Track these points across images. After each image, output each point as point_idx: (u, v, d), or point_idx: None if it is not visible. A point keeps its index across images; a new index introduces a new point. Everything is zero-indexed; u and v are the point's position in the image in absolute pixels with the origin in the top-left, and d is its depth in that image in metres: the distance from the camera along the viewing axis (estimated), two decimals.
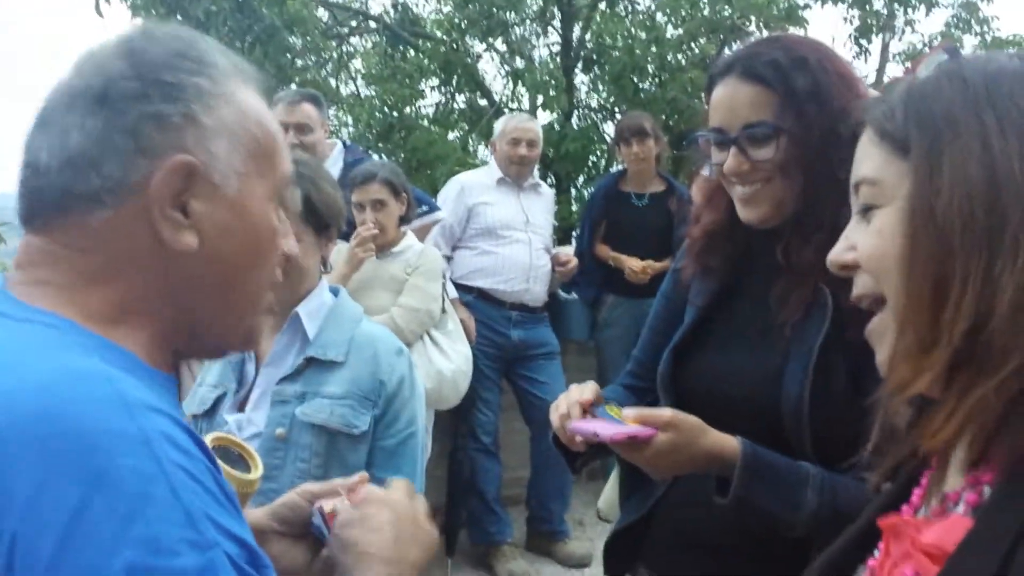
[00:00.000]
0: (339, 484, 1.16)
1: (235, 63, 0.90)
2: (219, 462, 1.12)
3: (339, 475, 1.78)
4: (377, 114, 8.00)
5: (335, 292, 1.98)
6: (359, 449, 1.82)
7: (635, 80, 7.43)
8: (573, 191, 8.03)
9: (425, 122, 8.33)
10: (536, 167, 4.73)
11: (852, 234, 0.86)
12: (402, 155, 7.49)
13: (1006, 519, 0.69)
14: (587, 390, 1.47)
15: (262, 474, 1.24)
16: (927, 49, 9.66)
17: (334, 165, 3.87)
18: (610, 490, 4.46)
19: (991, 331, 0.70)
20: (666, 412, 1.33)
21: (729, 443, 1.34)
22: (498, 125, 4.41)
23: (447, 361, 3.51)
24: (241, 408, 1.89)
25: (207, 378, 1.96)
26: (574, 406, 1.43)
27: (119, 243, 0.81)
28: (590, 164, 7.79)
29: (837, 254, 0.87)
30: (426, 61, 7.99)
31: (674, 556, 1.60)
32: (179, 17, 6.74)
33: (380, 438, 1.84)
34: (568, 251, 4.50)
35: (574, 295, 4.57)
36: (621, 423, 1.34)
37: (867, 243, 0.82)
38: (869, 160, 0.83)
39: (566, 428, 1.41)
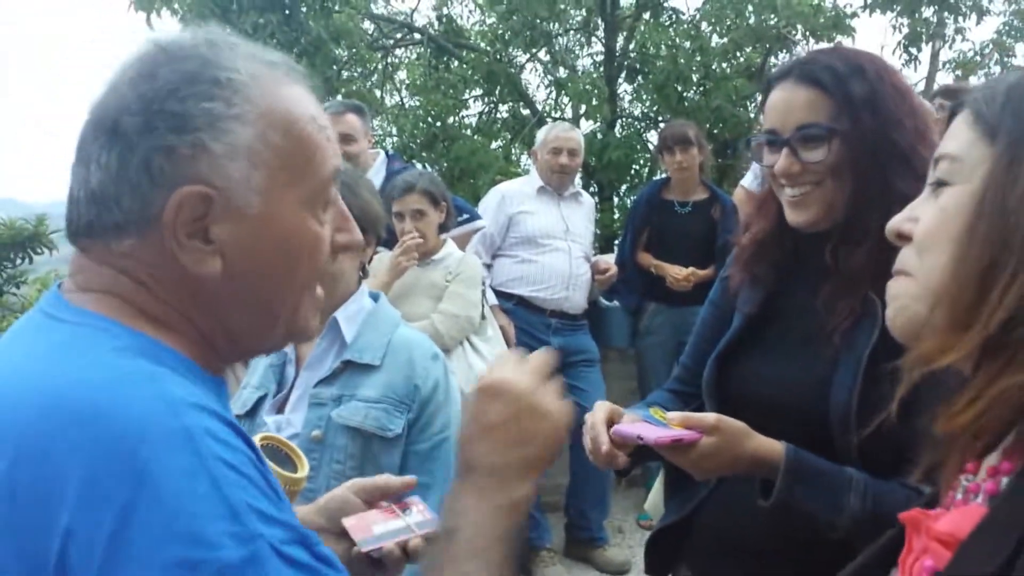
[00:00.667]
0: (385, 479, 1.20)
1: (266, 64, 0.87)
2: (267, 460, 1.16)
3: (373, 476, 1.83)
4: (421, 124, 8.10)
5: (375, 298, 2.01)
6: (393, 452, 1.84)
7: (679, 89, 7.43)
8: (616, 199, 8.04)
9: (468, 132, 8.40)
10: (578, 176, 4.73)
11: (918, 206, 0.86)
12: (445, 164, 7.57)
13: (1020, 508, 0.69)
14: (600, 412, 1.47)
15: (308, 473, 1.26)
16: (978, 57, 9.51)
17: (377, 175, 3.93)
18: (655, 493, 4.43)
19: None
20: (711, 416, 1.35)
21: (773, 447, 1.35)
22: (540, 134, 4.43)
23: (486, 367, 3.52)
24: (280, 410, 1.93)
25: (251, 380, 2.01)
26: (596, 430, 1.43)
27: (147, 266, 0.83)
28: (633, 172, 7.79)
29: (898, 222, 0.87)
30: (470, 72, 8.07)
31: (716, 558, 1.61)
32: (227, 30, 6.88)
33: (414, 442, 1.86)
34: (608, 259, 4.49)
35: (615, 302, 4.56)
36: (666, 426, 1.36)
37: (929, 217, 0.82)
38: (956, 138, 0.83)
39: (611, 434, 1.40)
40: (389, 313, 1.99)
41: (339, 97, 7.44)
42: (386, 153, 4.14)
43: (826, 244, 1.45)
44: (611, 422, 1.46)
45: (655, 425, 1.38)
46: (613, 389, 4.40)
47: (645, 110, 8.31)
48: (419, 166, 8.19)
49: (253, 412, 1.95)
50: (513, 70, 8.22)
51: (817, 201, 1.43)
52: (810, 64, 1.43)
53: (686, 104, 7.37)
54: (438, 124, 8.00)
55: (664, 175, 4.69)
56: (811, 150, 1.41)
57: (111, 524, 0.67)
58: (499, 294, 4.08)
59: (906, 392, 1.35)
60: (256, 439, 1.23)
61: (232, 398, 2.03)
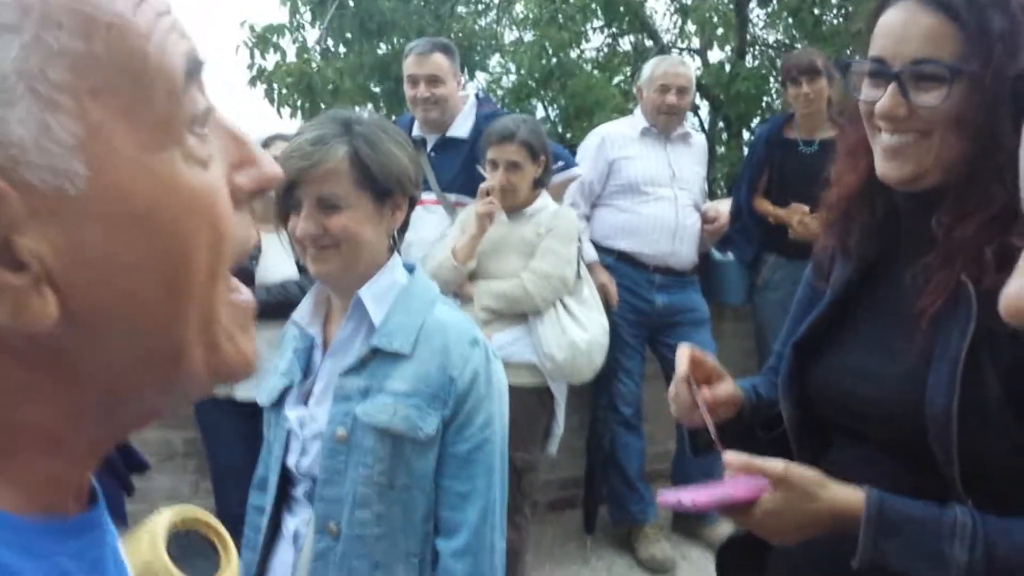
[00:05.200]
0: None
1: None
2: (169, 568, 0.87)
3: (405, 482, 1.61)
4: (539, 60, 7.73)
5: (411, 269, 1.75)
6: (427, 455, 1.61)
7: (816, 12, 6.80)
8: (746, 135, 7.52)
9: (589, 67, 8.00)
10: (705, 110, 4.33)
11: None
12: (561, 102, 7.23)
13: None
14: (682, 360, 1.39)
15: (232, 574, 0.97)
16: None
17: (466, 119, 3.66)
18: None
19: None
20: (777, 464, 1.18)
21: (853, 497, 1.17)
22: (646, 69, 4.02)
23: (581, 331, 3.24)
24: (305, 401, 1.72)
25: (279, 365, 1.81)
26: (682, 384, 1.37)
27: None
28: (764, 106, 7.24)
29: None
30: (589, 2, 7.63)
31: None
32: None
33: (450, 443, 1.62)
34: (719, 206, 4.08)
35: (730, 255, 4.16)
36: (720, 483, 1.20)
37: None
38: None
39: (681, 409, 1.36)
40: (425, 289, 1.72)
41: (452, 36, 7.18)
42: (476, 96, 3.85)
43: (930, 209, 1.21)
44: (707, 378, 1.41)
45: (708, 484, 1.20)
46: (728, 349, 4.05)
47: (779, 37, 7.69)
48: (537, 105, 7.89)
49: (280, 402, 1.75)
50: None
51: (919, 155, 1.19)
52: None
53: (824, 29, 6.73)
54: (556, 60, 7.60)
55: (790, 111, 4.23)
56: (925, 91, 1.16)
57: None
58: (598, 249, 3.77)
59: (1007, 380, 1.10)
60: (164, 526, 0.92)
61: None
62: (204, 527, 0.97)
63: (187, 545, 0.92)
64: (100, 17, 0.47)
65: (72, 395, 0.50)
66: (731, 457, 1.19)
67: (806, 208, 3.82)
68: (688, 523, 3.95)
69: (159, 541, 0.88)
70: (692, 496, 1.18)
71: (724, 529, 3.88)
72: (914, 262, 1.24)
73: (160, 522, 0.90)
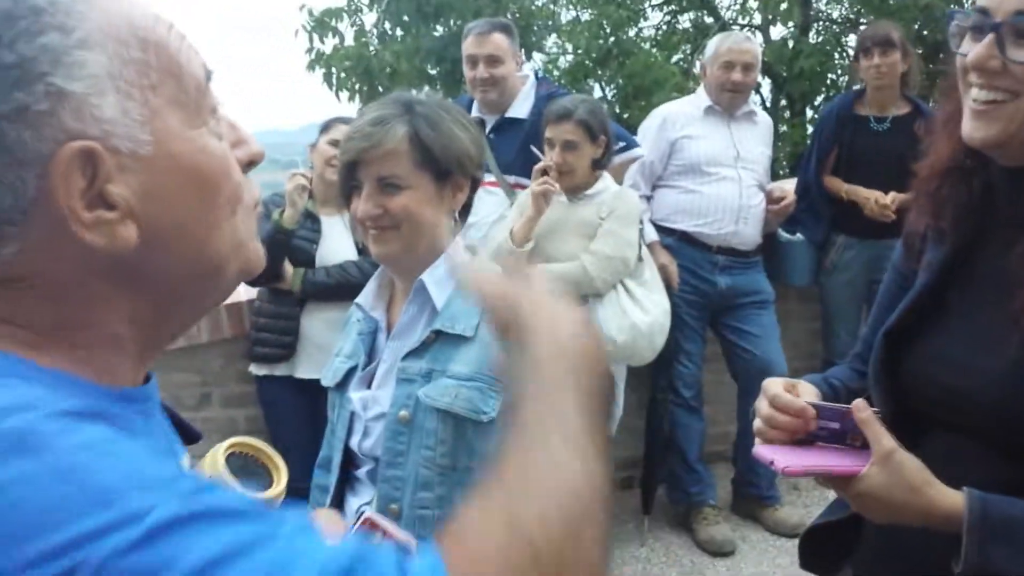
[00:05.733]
0: None
1: None
2: (228, 478, 1.00)
3: (468, 464, 1.60)
4: (597, 40, 7.63)
5: (473, 252, 1.73)
6: (490, 438, 1.60)
7: None
8: (810, 113, 7.35)
9: (647, 45, 7.88)
10: (767, 88, 4.23)
11: None
12: (619, 81, 7.14)
13: None
14: (776, 392, 1.27)
15: (283, 489, 1.07)
16: None
17: (525, 100, 3.62)
18: None
19: None
20: (887, 442, 1.13)
21: (952, 501, 1.12)
22: (710, 46, 3.92)
23: (642, 313, 3.20)
24: (369, 384, 1.72)
25: (343, 348, 1.81)
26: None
27: (45, 270, 0.69)
28: (828, 83, 7.06)
29: None
30: None
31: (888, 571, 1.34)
32: None
33: None
34: (785, 186, 3.96)
35: (798, 235, 4.03)
36: (836, 439, 1.20)
37: None
38: None
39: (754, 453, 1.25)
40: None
41: (509, 15, 7.13)
42: (535, 76, 3.81)
43: None
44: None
45: (810, 446, 1.21)
46: (792, 331, 3.95)
47: (844, 11, 7.48)
48: (594, 85, 7.81)
49: (344, 384, 1.77)
50: None
51: (1006, 116, 1.12)
52: None
53: (891, 3, 6.52)
54: (613, 39, 7.50)
55: (859, 86, 4.09)
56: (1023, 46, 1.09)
57: None
58: (660, 229, 3.70)
59: None
60: (223, 446, 1.05)
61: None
62: (258, 452, 1.09)
63: (244, 465, 1.06)
64: (150, 38, 0.71)
65: (136, 303, 0.72)
66: (861, 406, 1.14)
67: (881, 195, 3.72)
68: (748, 505, 3.88)
69: (220, 459, 1.02)
70: (785, 462, 1.16)
71: (784, 512, 3.82)
72: (1013, 245, 1.17)
73: (220, 447, 1.04)
